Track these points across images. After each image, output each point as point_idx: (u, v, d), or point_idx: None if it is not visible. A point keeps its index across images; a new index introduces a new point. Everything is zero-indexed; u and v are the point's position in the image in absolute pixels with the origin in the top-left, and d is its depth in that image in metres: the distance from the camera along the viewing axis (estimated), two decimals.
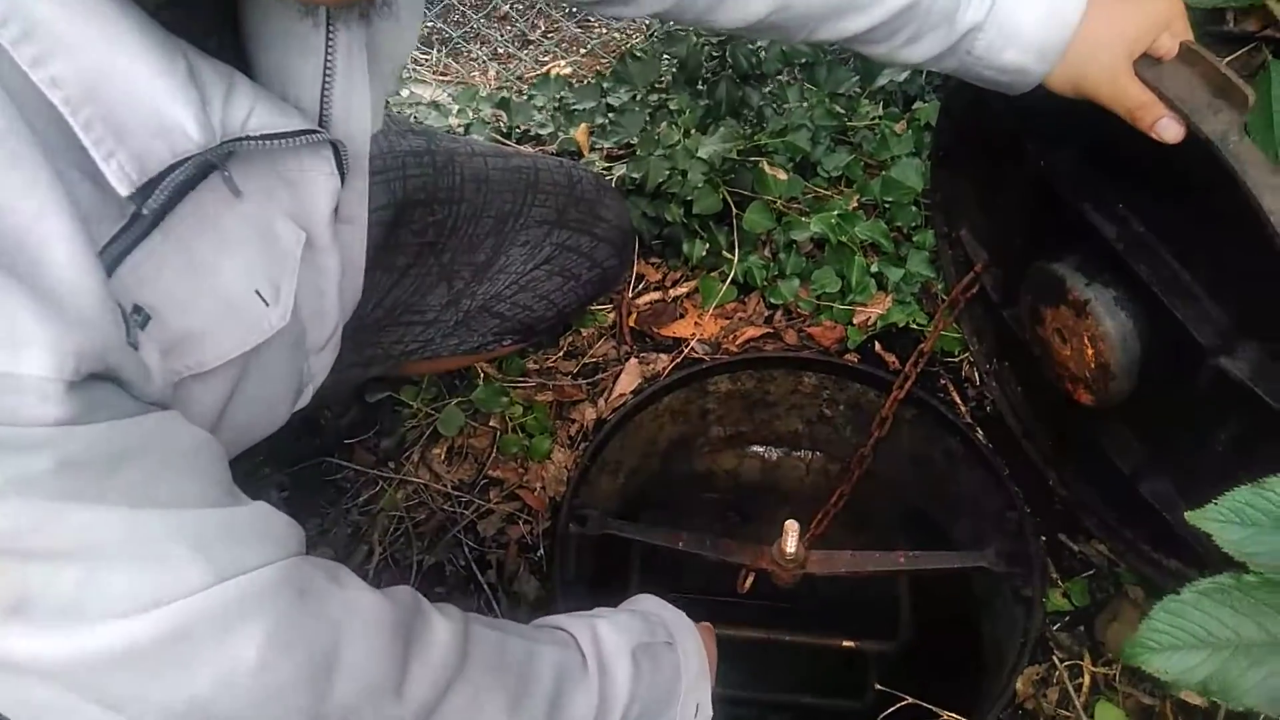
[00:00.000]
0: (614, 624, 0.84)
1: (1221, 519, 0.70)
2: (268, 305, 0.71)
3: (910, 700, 1.14)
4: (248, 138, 0.62)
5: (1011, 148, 1.18)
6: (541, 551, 1.39)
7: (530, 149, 1.72)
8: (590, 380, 1.54)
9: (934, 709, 1.14)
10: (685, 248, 1.62)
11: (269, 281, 0.71)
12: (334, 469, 1.45)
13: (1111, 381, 1.08)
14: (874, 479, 1.72)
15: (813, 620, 2.13)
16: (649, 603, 0.96)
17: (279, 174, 0.69)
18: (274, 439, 1.44)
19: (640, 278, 1.66)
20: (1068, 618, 1.29)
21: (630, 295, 1.63)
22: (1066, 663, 1.24)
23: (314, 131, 0.66)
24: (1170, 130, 0.83)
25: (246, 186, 0.67)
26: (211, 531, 0.56)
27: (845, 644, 1.93)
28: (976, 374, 1.52)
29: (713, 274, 1.64)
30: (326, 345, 0.86)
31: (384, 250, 1.06)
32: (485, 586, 1.35)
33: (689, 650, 0.90)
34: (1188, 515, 0.71)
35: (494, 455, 1.46)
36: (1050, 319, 1.15)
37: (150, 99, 0.56)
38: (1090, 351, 1.08)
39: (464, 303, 1.13)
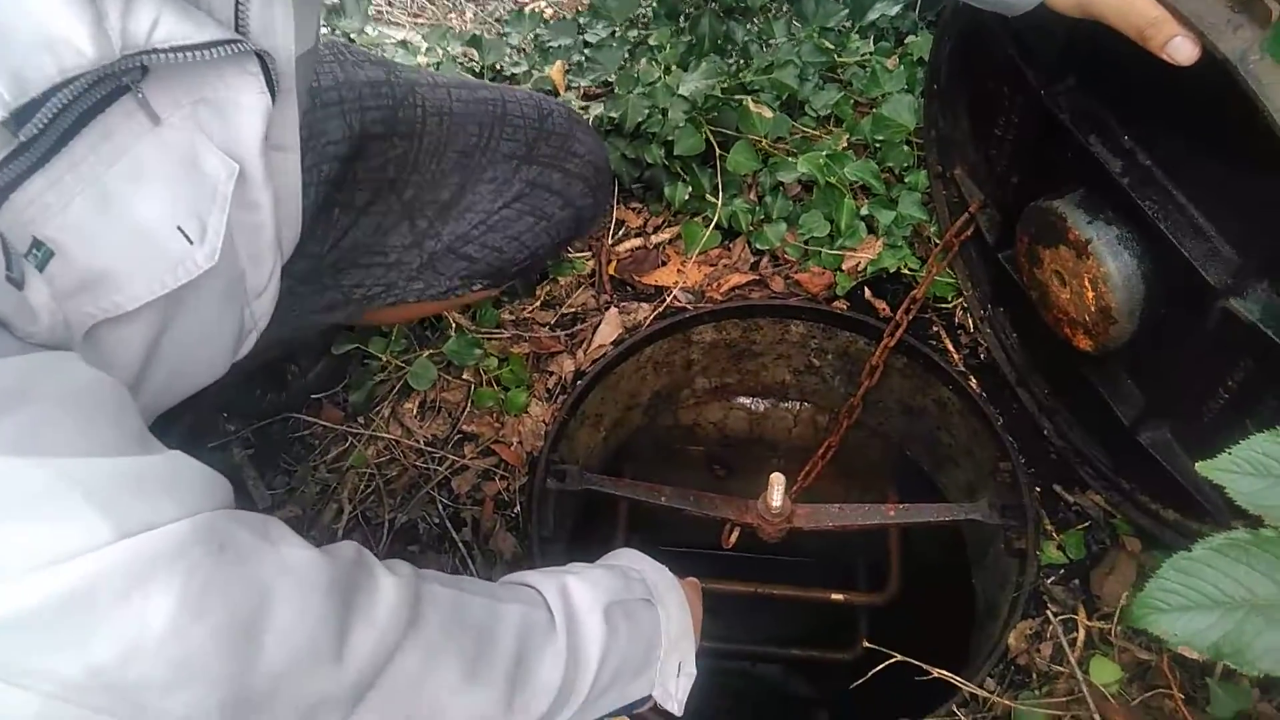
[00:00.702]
0: (586, 580, 0.79)
1: (1235, 470, 0.65)
2: (192, 244, 0.64)
3: (899, 657, 1.10)
4: (155, 51, 0.55)
5: (1011, 77, 1.11)
6: (518, 508, 1.34)
7: None
8: (569, 331, 1.48)
9: (923, 665, 1.10)
10: (667, 191, 1.55)
11: (194, 217, 0.64)
12: (301, 425, 1.39)
13: (1112, 325, 1.02)
14: (863, 429, 1.67)
15: (800, 573, 2.11)
16: (629, 557, 0.91)
17: (202, 96, 0.62)
18: (237, 393, 1.38)
19: (620, 224, 1.59)
20: (1062, 571, 1.25)
21: (610, 242, 1.56)
22: (1061, 617, 1.20)
23: (234, 41, 0.59)
24: (1183, 50, 0.76)
25: (165, 111, 0.60)
26: (113, 482, 0.50)
27: (834, 597, 1.91)
28: (970, 320, 1.46)
29: (696, 219, 1.57)
30: (267, 288, 0.80)
31: (340, 187, 0.99)
32: (460, 545, 1.30)
33: (671, 607, 0.85)
34: (1199, 466, 0.66)
35: (468, 409, 1.41)
36: (1049, 261, 1.09)
37: (33, 9, 0.49)
38: (1090, 294, 1.03)
39: (428, 244, 1.06)
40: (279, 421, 1.40)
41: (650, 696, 0.82)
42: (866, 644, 1.11)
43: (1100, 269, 0.99)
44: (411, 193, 1.05)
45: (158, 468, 0.55)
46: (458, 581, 0.73)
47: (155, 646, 0.50)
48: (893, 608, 1.88)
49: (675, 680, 0.83)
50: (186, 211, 0.63)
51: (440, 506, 1.33)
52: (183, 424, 0.83)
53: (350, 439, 1.38)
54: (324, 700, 0.58)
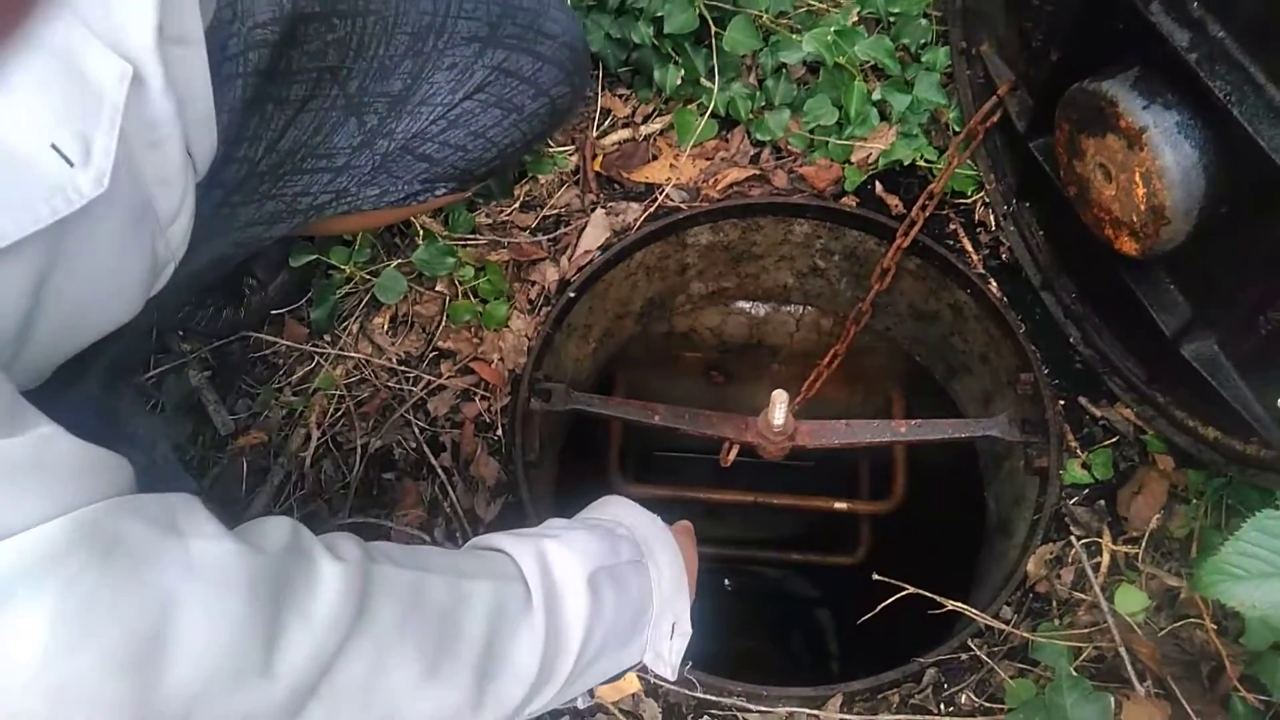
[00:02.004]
0: (567, 546, 0.69)
1: None
2: (73, 166, 0.52)
3: (910, 590, 1.02)
4: None
5: None
6: (501, 430, 1.24)
7: None
8: (551, 236, 1.35)
9: (935, 597, 1.03)
10: (657, 75, 1.39)
11: (73, 135, 0.52)
12: (263, 344, 1.28)
13: (1164, 227, 0.90)
14: (869, 332, 1.56)
15: (802, 477, 2.04)
16: (616, 508, 0.81)
17: None
18: (191, 311, 1.27)
19: (606, 113, 1.44)
20: (1086, 491, 1.16)
21: (594, 134, 1.41)
22: (1084, 540, 1.12)
23: None
24: None
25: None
26: None
27: (837, 506, 1.84)
28: (992, 217, 1.33)
29: (689, 106, 1.41)
30: (181, 212, 0.67)
31: (273, 79, 0.85)
32: (439, 470, 1.21)
33: (662, 563, 0.76)
34: None
35: (443, 324, 1.29)
36: (1093, 152, 0.95)
37: None
38: (1141, 191, 0.90)
39: (380, 143, 0.92)
40: (238, 340, 1.28)
41: (641, 663, 0.74)
42: (876, 576, 1.02)
43: (1155, 162, 0.86)
44: (357, 83, 0.90)
45: (17, 453, 0.44)
46: (417, 557, 0.62)
47: (26, 680, 0.41)
48: (898, 516, 1.82)
49: (668, 642, 0.75)
50: (63, 126, 0.51)
51: (416, 430, 1.23)
52: (99, 365, 0.72)
53: (316, 358, 1.27)
54: (251, 717, 0.49)
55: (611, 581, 0.70)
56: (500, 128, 0.98)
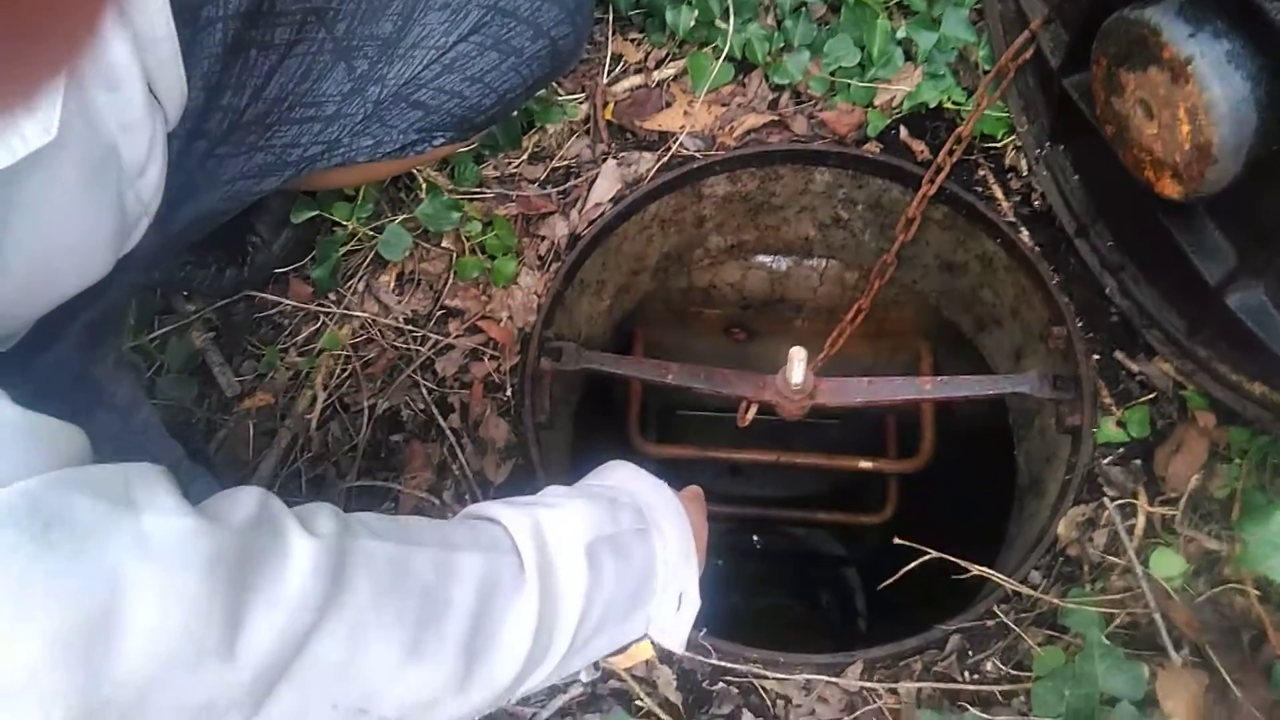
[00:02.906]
0: (564, 515, 0.65)
1: None
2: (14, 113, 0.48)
3: (933, 554, 0.98)
4: None
5: None
6: (510, 391, 1.20)
7: None
8: (561, 188, 1.30)
9: (958, 560, 0.99)
10: (670, 17, 1.33)
11: None
12: (268, 304, 1.25)
13: (1210, 167, 0.83)
14: (895, 285, 1.50)
15: (826, 435, 2.00)
16: (621, 474, 0.77)
17: None
18: (192, 270, 1.24)
19: (617, 59, 1.38)
20: (1121, 450, 1.11)
21: (605, 81, 1.36)
22: (1118, 501, 1.07)
23: None
24: None
25: None
26: None
27: (862, 465, 1.80)
28: (1023, 162, 1.26)
29: (704, 49, 1.35)
30: (151, 161, 0.63)
31: (255, 22, 0.80)
32: (448, 432, 1.18)
33: (668, 531, 0.72)
34: None
35: (451, 281, 1.25)
36: (1133, 87, 0.88)
37: None
38: (1186, 128, 0.83)
39: (371, 90, 0.88)
40: (243, 300, 1.25)
41: (646, 636, 0.71)
42: (897, 540, 0.98)
43: (1202, 95, 0.79)
44: (344, 26, 0.85)
45: None
46: (401, 530, 0.59)
47: None
48: (926, 474, 1.77)
49: (675, 613, 0.71)
50: None
51: (424, 391, 1.20)
52: (76, 327, 0.69)
53: (322, 318, 1.24)
54: (213, 703, 0.46)
55: (612, 551, 0.66)
56: (498, 72, 0.93)
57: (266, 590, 0.48)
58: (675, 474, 2.10)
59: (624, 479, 0.76)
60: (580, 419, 1.51)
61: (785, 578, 2.50)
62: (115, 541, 0.43)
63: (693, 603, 0.73)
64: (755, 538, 2.44)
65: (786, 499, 2.36)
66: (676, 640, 0.73)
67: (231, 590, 0.47)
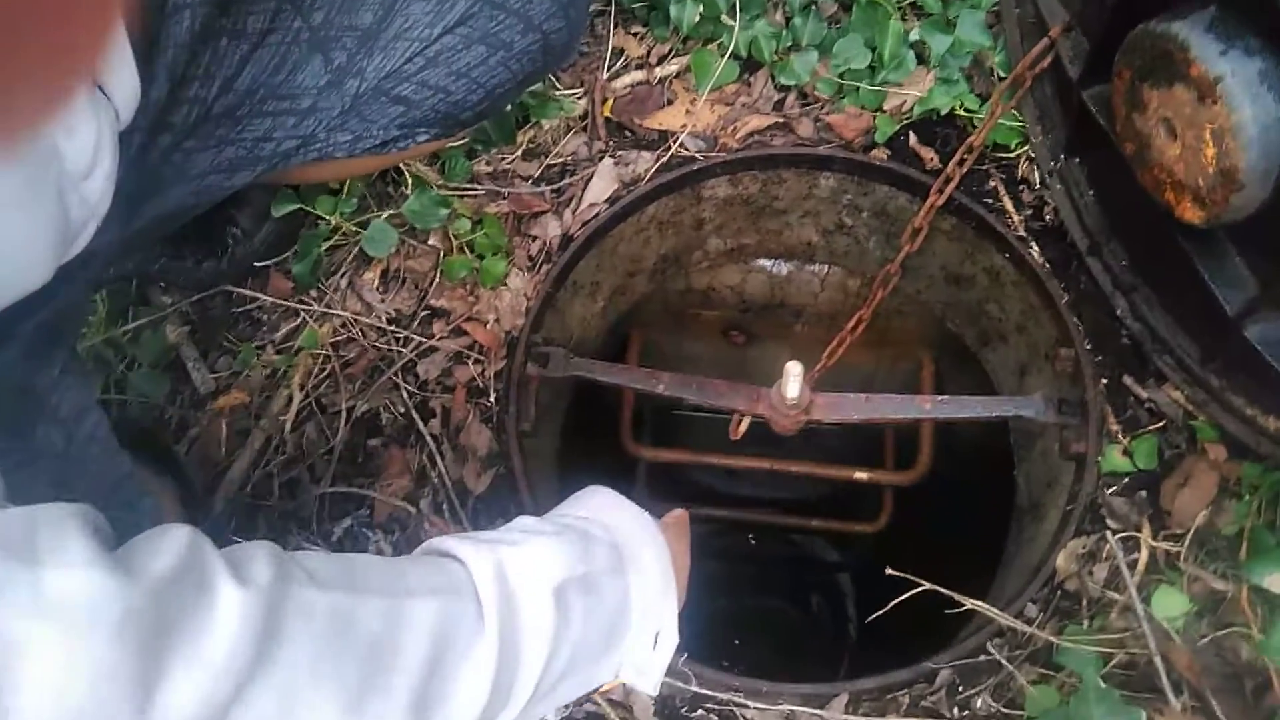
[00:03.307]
0: (532, 554, 0.61)
1: None
2: None
3: (927, 585, 0.94)
4: None
5: None
6: (494, 397, 1.16)
7: None
8: (555, 186, 1.26)
9: (951, 594, 0.94)
10: (674, 11, 1.27)
11: None
12: (246, 299, 1.21)
13: (1236, 193, 0.79)
14: (899, 294, 1.46)
15: (827, 443, 1.96)
16: (597, 502, 0.73)
17: None
18: (168, 262, 1.20)
19: (618, 53, 1.33)
20: (1126, 480, 1.06)
21: (605, 76, 1.31)
22: (1121, 534, 1.02)
23: None
24: None
25: None
26: None
27: (857, 475, 1.75)
28: (1036, 174, 1.21)
29: (709, 46, 1.30)
30: (98, 163, 0.59)
31: (225, 9, 0.76)
32: (428, 438, 1.14)
33: (646, 567, 0.68)
34: None
35: (437, 280, 1.21)
36: (1156, 104, 0.83)
37: None
38: (1211, 150, 0.78)
39: (350, 83, 0.83)
40: (221, 294, 1.21)
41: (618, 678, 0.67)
42: (889, 570, 0.94)
43: (1231, 117, 0.75)
44: (321, 15, 0.81)
45: None
46: (350, 574, 0.54)
47: None
48: (922, 487, 1.73)
49: (650, 653, 0.67)
50: None
51: (405, 394, 1.16)
52: (23, 331, 0.65)
53: (302, 315, 1.20)
54: None
55: (583, 591, 0.62)
56: (486, 67, 0.88)
57: (187, 650, 0.44)
58: (669, 475, 2.06)
59: (601, 508, 0.72)
60: (570, 420, 1.47)
61: (777, 581, 2.48)
62: (9, 602, 0.39)
63: (670, 641, 0.69)
64: (750, 537, 2.41)
65: (781, 501, 2.32)
66: (651, 682, 0.68)
67: (145, 652, 0.42)
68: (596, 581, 0.64)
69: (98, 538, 0.45)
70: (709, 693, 0.98)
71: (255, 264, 1.21)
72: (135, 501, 0.65)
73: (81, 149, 0.57)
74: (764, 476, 2.21)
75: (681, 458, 1.86)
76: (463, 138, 1.19)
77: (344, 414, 1.15)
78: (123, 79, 0.61)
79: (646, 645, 0.68)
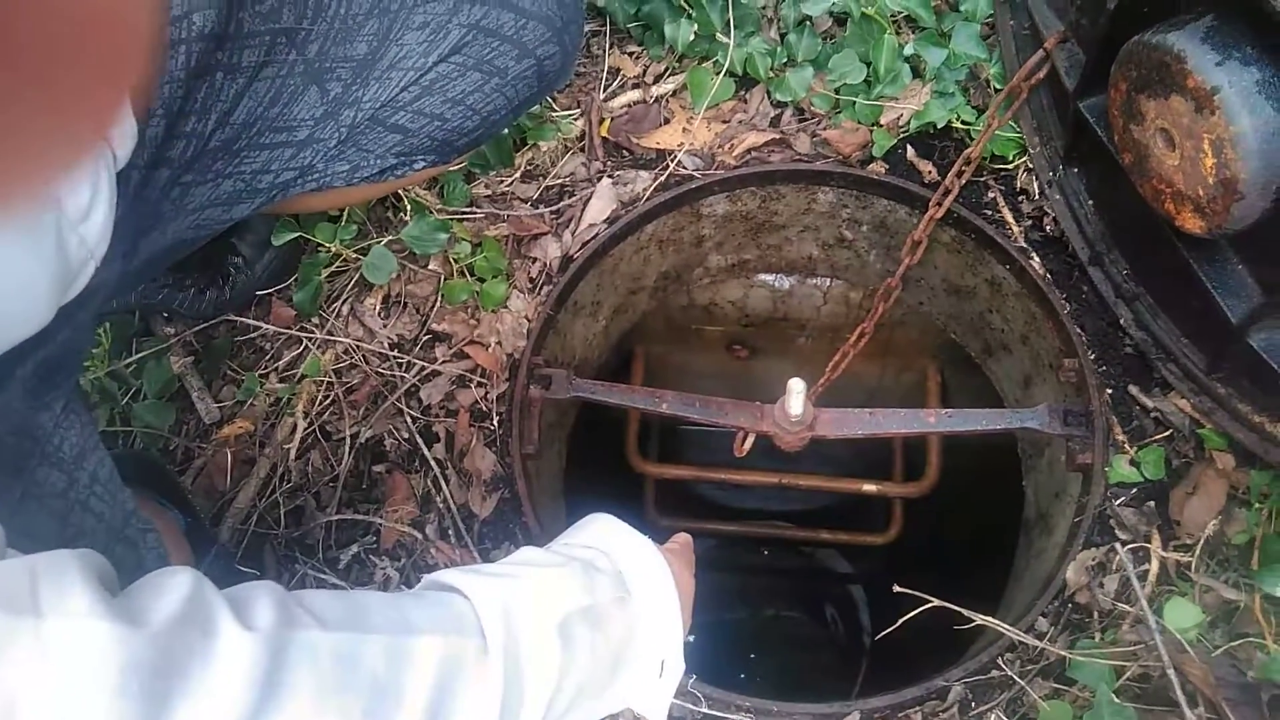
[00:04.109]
0: (536, 588, 0.61)
1: None
2: None
3: (936, 602, 0.93)
4: None
5: None
6: (498, 420, 1.16)
7: None
8: (554, 208, 1.26)
9: (961, 610, 0.94)
10: (668, 30, 1.28)
11: None
12: (249, 327, 1.21)
13: (1236, 203, 0.78)
14: (901, 305, 1.46)
15: (835, 454, 1.95)
16: (600, 531, 0.72)
17: None
18: (170, 293, 1.20)
19: (615, 73, 1.33)
20: (1134, 490, 1.06)
21: (601, 96, 1.31)
22: (1130, 546, 1.02)
23: None
24: None
25: None
26: None
27: (866, 488, 1.75)
28: (1035, 185, 1.21)
29: (705, 64, 1.30)
30: (97, 203, 0.59)
31: (220, 44, 0.76)
32: (433, 463, 1.14)
33: (651, 596, 0.68)
34: None
35: (438, 304, 1.21)
36: (1154, 115, 0.83)
37: None
38: (1210, 161, 0.78)
39: (346, 114, 0.83)
40: (224, 323, 1.22)
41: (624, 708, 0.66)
42: (897, 588, 0.94)
43: (1229, 128, 0.74)
44: (316, 47, 0.81)
45: None
46: (353, 613, 0.54)
47: None
48: (931, 498, 1.72)
49: (656, 681, 0.67)
50: None
51: (409, 419, 1.16)
52: (24, 372, 0.65)
53: (305, 343, 1.20)
54: None
55: (588, 625, 0.62)
56: (481, 93, 0.88)
57: (192, 696, 0.44)
58: (677, 490, 2.05)
59: (604, 536, 0.72)
60: (576, 438, 1.47)
61: (791, 592, 2.47)
62: (11, 654, 0.39)
63: (676, 669, 0.69)
64: (763, 549, 2.41)
65: (791, 514, 2.32)
66: (658, 711, 0.68)
67: (149, 699, 0.42)
68: (601, 614, 0.64)
69: (100, 584, 0.44)
70: (719, 714, 0.98)
71: (257, 293, 1.21)
72: (139, 539, 0.65)
73: (79, 192, 0.57)
74: (773, 489, 2.21)
75: (688, 474, 1.86)
76: (461, 162, 1.20)
77: (348, 441, 1.15)
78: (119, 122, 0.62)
79: (652, 674, 0.67)
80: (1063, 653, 0.96)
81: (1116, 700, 0.89)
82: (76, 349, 0.75)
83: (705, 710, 0.98)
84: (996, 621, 0.95)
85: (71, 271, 0.61)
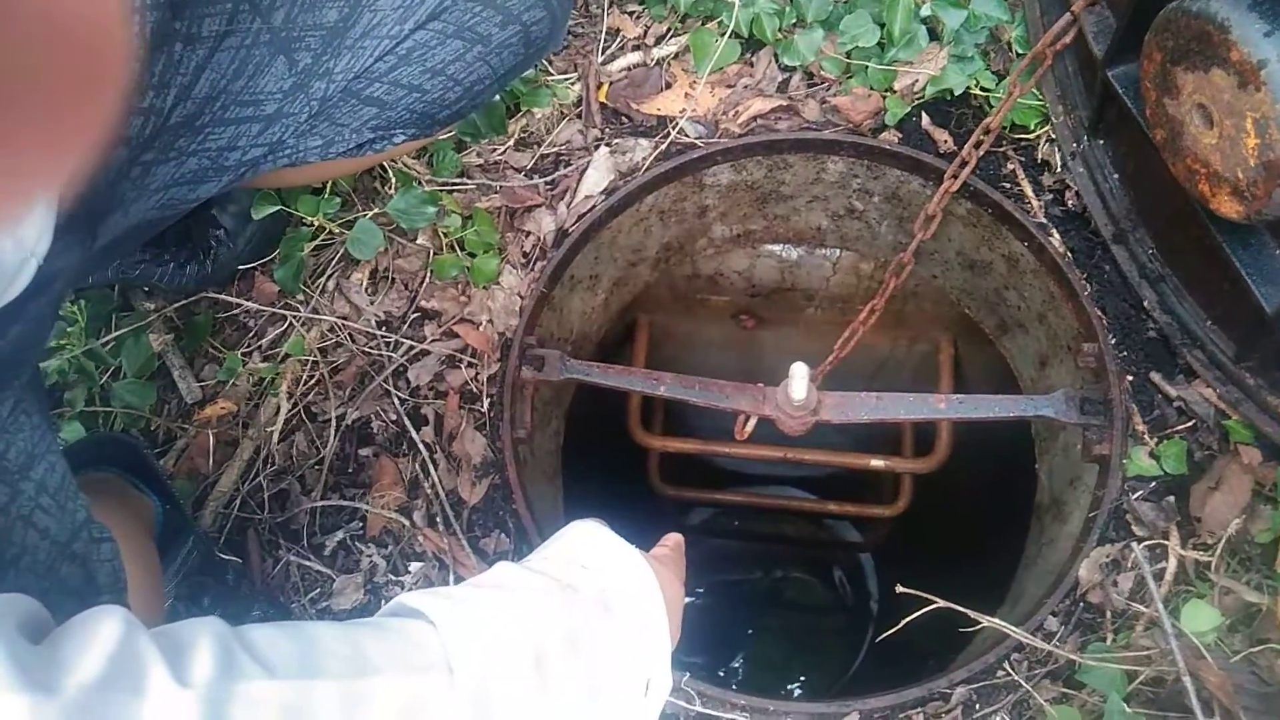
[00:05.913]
0: (510, 613, 0.56)
1: None
2: None
3: (941, 603, 0.89)
4: None
5: None
6: (488, 403, 1.12)
7: None
8: (549, 179, 1.20)
9: (965, 611, 0.90)
10: None
11: None
12: (231, 304, 1.17)
13: (1278, 187, 0.72)
14: (915, 277, 1.39)
15: (845, 426, 1.90)
16: (580, 541, 0.68)
17: None
18: (149, 267, 1.15)
19: (614, 34, 1.26)
20: (1153, 484, 1.01)
21: (599, 59, 1.24)
22: (1147, 543, 0.97)
23: None
24: None
25: None
26: None
27: (874, 464, 1.70)
28: (1057, 157, 1.14)
29: (709, 25, 1.23)
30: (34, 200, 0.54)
31: (178, 12, 0.71)
32: (421, 446, 1.10)
33: (635, 612, 0.63)
34: None
35: (428, 280, 1.16)
36: (1191, 89, 0.76)
37: None
38: (1253, 141, 0.71)
39: (317, 86, 0.78)
40: (206, 299, 1.17)
41: None
42: (900, 588, 0.89)
43: (1275, 105, 0.68)
44: (283, 14, 0.75)
45: None
46: (304, 650, 0.49)
47: None
48: (940, 474, 1.68)
49: (641, 702, 0.63)
50: None
51: (396, 401, 1.12)
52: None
53: (289, 320, 1.15)
54: None
55: (565, 652, 0.58)
56: (463, 62, 0.82)
57: None
58: (681, 461, 1.99)
59: (586, 548, 0.67)
60: (575, 413, 1.42)
61: (800, 557, 2.46)
62: None
63: (663, 687, 0.65)
64: (772, 516, 2.39)
65: (800, 481, 2.29)
66: None
67: None
68: (580, 638, 0.59)
69: (18, 638, 0.40)
70: (713, 713, 0.94)
71: (240, 267, 1.16)
72: (90, 553, 0.62)
73: None
74: (780, 459, 2.17)
75: (692, 447, 1.82)
76: (450, 130, 1.14)
77: (334, 423, 1.11)
78: None
79: (637, 694, 0.63)
80: (1072, 656, 0.92)
81: (1128, 709, 0.85)
82: (31, 344, 0.71)
83: (699, 709, 0.95)
84: (1003, 623, 0.90)
85: (6, 276, 0.56)
